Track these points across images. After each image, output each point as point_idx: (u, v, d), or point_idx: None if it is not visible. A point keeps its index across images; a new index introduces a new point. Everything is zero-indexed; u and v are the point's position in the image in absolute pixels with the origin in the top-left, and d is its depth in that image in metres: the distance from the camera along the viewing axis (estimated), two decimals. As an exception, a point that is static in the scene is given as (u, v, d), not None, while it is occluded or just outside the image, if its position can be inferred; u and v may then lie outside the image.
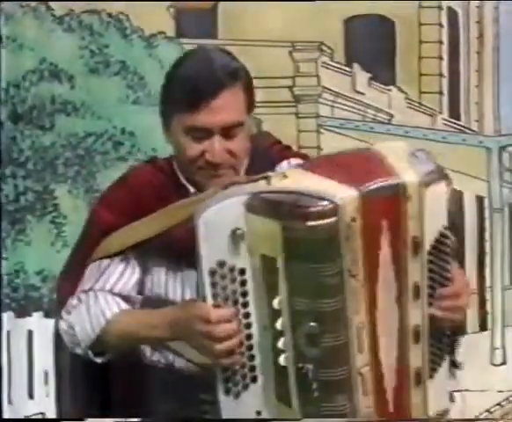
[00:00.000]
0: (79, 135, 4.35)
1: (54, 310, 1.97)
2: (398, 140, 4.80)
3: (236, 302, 1.68)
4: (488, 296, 4.91)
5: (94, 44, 4.40)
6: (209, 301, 1.67)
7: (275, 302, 1.63)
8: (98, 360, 1.83)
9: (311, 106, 4.71)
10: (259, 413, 1.69)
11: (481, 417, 4.50)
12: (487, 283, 4.92)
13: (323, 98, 4.72)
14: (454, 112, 4.97)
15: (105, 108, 4.36)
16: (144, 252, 1.83)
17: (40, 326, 4.17)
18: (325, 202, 1.57)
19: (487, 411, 4.61)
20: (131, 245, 1.82)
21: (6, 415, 3.95)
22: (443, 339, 1.79)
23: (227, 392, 1.69)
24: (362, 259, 1.64)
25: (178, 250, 1.78)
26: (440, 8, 4.87)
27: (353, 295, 1.63)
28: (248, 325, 1.68)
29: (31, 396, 4.13)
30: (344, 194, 1.58)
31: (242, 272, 1.66)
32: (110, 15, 4.43)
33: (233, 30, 4.51)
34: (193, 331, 1.68)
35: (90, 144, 4.35)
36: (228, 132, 1.77)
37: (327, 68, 4.71)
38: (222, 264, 1.66)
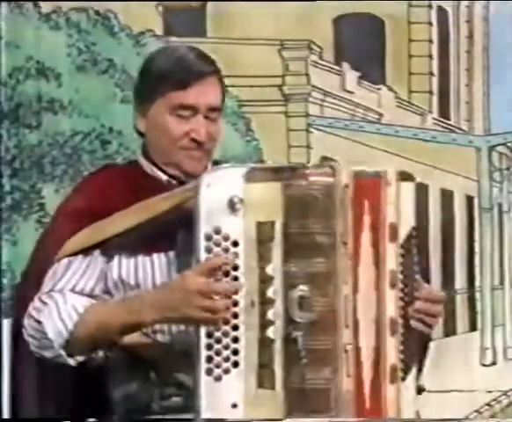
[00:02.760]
0: (66, 134, 4.32)
1: (13, 316, 1.92)
2: (388, 139, 4.79)
3: (227, 275, 1.71)
4: (478, 296, 4.90)
5: (82, 42, 4.37)
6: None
7: (269, 268, 1.68)
8: (72, 362, 1.81)
9: (301, 105, 4.69)
10: (234, 406, 1.69)
11: (470, 417, 4.50)
12: (477, 283, 4.92)
13: (312, 96, 4.70)
14: (444, 112, 4.96)
15: (92, 107, 4.34)
16: (110, 242, 1.84)
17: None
18: (324, 166, 1.72)
19: (477, 411, 4.61)
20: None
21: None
22: (414, 343, 1.81)
23: (208, 373, 1.70)
24: (351, 234, 1.71)
25: (148, 235, 1.81)
26: (430, 7, 4.86)
27: (343, 263, 1.70)
28: (235, 303, 1.71)
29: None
30: (339, 166, 1.73)
31: (235, 243, 1.70)
32: (98, 13, 4.41)
33: (222, 28, 4.49)
34: (187, 294, 1.69)
35: (77, 143, 4.33)
36: (210, 114, 1.87)
37: (317, 66, 4.69)
38: (217, 231, 1.70)
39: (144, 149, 1.94)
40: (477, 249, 4.94)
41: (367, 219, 1.72)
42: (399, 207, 1.76)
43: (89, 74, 4.36)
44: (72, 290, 1.83)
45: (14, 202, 4.26)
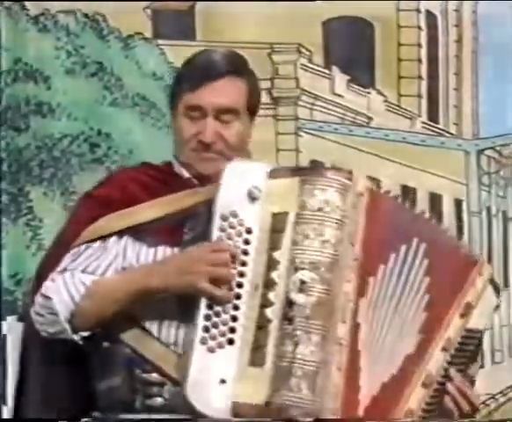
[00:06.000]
0: (55, 137, 4.31)
1: (24, 307, 1.94)
2: (377, 143, 4.79)
3: (234, 259, 1.77)
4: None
5: (70, 45, 4.35)
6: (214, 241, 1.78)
7: (277, 254, 1.75)
8: (76, 338, 1.82)
9: (290, 109, 4.69)
10: (223, 381, 1.72)
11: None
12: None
13: (302, 100, 4.70)
14: (433, 116, 4.97)
15: (81, 109, 4.32)
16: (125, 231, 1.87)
17: (14, 330, 4.12)
18: (342, 169, 1.82)
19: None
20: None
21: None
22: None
23: (203, 342, 1.73)
24: (361, 244, 1.76)
25: (156, 227, 1.84)
26: (418, 11, 4.87)
27: (346, 261, 1.75)
28: (239, 285, 1.76)
29: (4, 401, 4.08)
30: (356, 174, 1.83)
31: (248, 231, 1.77)
32: (86, 15, 4.39)
33: (211, 31, 4.49)
34: (197, 262, 1.74)
35: (65, 146, 4.31)
36: (222, 116, 1.88)
37: (306, 70, 4.69)
38: (234, 214, 1.77)
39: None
40: (465, 252, 4.94)
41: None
42: None
43: (77, 77, 4.34)
44: (83, 271, 1.86)
45: (2, 205, 4.24)
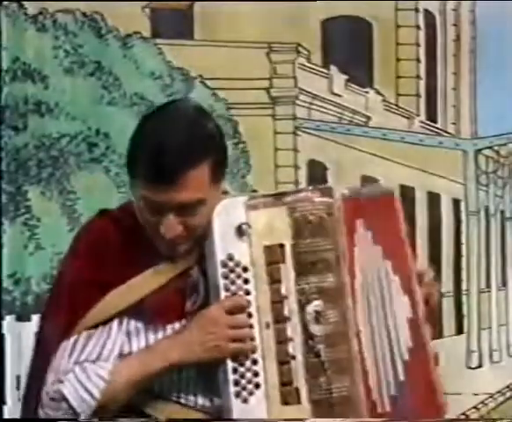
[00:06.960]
0: (53, 136, 4.31)
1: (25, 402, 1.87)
2: (375, 142, 4.79)
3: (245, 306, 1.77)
4: (464, 299, 4.91)
5: (68, 44, 4.35)
6: (222, 292, 1.75)
7: (282, 288, 1.74)
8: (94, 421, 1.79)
9: (288, 108, 4.69)
10: None
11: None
12: (464, 286, 4.93)
13: (300, 99, 4.70)
14: (431, 115, 4.97)
15: (79, 109, 4.32)
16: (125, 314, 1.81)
17: (13, 330, 4.12)
18: (322, 186, 1.81)
19: (464, 414, 4.61)
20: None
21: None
22: None
23: (237, 395, 1.74)
24: (344, 251, 1.78)
25: (156, 304, 1.80)
26: (417, 10, 4.88)
27: (343, 276, 1.78)
28: (250, 327, 1.76)
29: (2, 401, 4.08)
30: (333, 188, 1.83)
31: (245, 269, 1.76)
32: (85, 14, 4.39)
33: (209, 30, 4.49)
34: (218, 328, 1.74)
35: (63, 145, 4.31)
36: (186, 209, 1.76)
37: (304, 69, 4.69)
38: (231, 257, 1.75)
39: None
40: (464, 252, 4.95)
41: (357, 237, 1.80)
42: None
43: (76, 76, 4.34)
44: (93, 362, 1.79)
45: (0, 205, 4.24)
